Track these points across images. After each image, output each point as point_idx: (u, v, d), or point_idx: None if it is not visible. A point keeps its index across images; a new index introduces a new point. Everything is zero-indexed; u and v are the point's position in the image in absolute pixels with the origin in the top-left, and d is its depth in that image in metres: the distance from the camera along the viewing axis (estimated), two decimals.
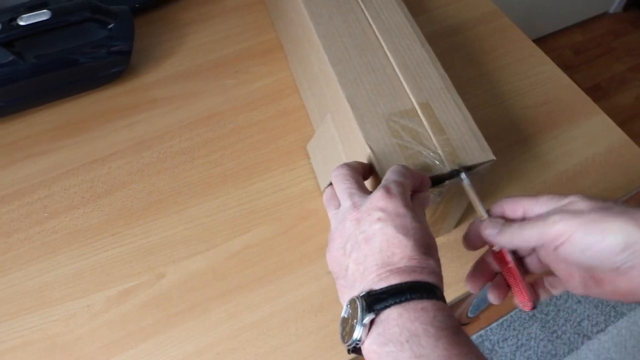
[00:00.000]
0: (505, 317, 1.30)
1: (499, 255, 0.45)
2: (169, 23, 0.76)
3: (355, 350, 0.36)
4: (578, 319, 1.31)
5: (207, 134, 0.66)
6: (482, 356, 0.34)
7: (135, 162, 0.63)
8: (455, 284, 0.58)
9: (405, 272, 0.36)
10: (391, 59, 0.54)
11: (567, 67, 0.72)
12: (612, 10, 1.93)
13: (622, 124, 0.71)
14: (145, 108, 0.68)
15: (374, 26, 0.57)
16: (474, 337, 1.28)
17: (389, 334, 0.33)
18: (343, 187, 0.42)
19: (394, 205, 0.38)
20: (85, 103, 0.68)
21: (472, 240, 0.46)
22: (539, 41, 0.76)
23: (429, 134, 0.48)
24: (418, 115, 0.50)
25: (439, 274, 0.37)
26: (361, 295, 0.35)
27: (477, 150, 0.48)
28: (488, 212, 0.46)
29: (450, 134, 0.49)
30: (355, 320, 0.34)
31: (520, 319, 1.30)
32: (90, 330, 0.53)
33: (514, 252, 0.46)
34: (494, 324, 1.29)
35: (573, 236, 0.38)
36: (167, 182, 0.62)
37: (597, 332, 1.30)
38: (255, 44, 0.75)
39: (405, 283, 0.35)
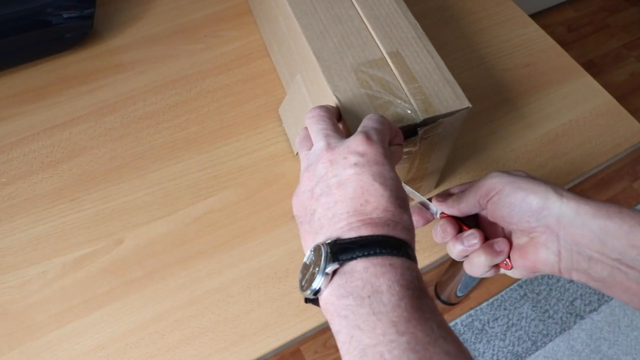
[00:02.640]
0: (495, 297, 1.28)
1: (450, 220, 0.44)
2: None
3: (313, 300, 0.33)
4: (570, 298, 1.28)
5: (172, 98, 0.64)
6: (445, 325, 0.31)
7: (97, 127, 0.61)
8: (430, 249, 0.55)
9: (377, 224, 0.33)
10: (359, 10, 0.52)
11: (561, 44, 0.70)
12: None
13: (616, 100, 0.68)
14: (110, 73, 0.65)
15: None
16: (463, 317, 1.25)
17: (350, 286, 0.31)
18: (318, 127, 0.39)
19: (374, 152, 0.35)
20: (47, 69, 0.66)
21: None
22: (532, 18, 0.74)
23: (399, 83, 0.46)
24: (388, 65, 0.47)
25: (412, 232, 0.35)
26: (327, 242, 0.32)
27: (451, 97, 0.46)
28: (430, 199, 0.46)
29: (422, 82, 0.47)
30: (317, 269, 0.32)
31: (511, 299, 1.27)
32: (44, 297, 0.51)
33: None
34: (484, 304, 1.27)
35: (503, 190, 0.39)
36: (130, 147, 0.60)
37: (590, 311, 1.27)
38: (224, 8, 0.72)
39: (377, 236, 0.32)
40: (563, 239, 0.38)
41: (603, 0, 1.85)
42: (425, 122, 0.44)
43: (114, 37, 0.69)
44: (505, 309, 1.26)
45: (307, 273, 0.33)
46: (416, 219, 0.46)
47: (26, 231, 0.54)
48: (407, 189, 0.44)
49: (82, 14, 0.64)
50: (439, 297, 1.27)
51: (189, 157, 0.59)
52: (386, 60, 0.48)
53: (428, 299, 0.32)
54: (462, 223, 0.44)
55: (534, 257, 0.40)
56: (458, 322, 1.24)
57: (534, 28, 0.75)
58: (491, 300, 1.27)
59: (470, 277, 1.14)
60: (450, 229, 0.44)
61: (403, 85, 0.46)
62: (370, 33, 0.50)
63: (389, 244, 0.32)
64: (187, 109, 0.63)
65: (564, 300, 1.28)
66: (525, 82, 0.69)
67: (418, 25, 0.51)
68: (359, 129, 0.38)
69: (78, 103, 0.63)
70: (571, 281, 1.31)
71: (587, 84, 0.69)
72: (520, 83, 0.68)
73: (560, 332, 1.24)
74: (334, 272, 0.32)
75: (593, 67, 1.65)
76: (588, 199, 0.38)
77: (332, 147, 0.36)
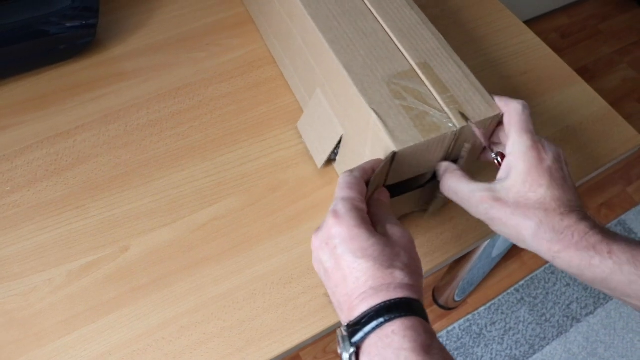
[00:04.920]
0: (493, 301, 1.29)
1: None
2: None
3: None
4: (567, 302, 1.30)
5: (175, 106, 0.64)
6: None
7: (101, 135, 0.62)
8: (431, 254, 0.56)
9: (373, 295, 0.35)
10: (382, 23, 0.53)
11: (554, 50, 0.72)
12: None
13: (610, 105, 0.70)
14: (113, 81, 0.66)
15: None
16: (461, 321, 1.26)
17: None
18: (335, 199, 0.40)
19: (345, 229, 0.37)
20: (51, 77, 0.66)
21: None
22: (525, 25, 0.76)
23: (432, 93, 0.47)
24: (418, 76, 0.49)
25: (408, 282, 0.37)
26: (343, 327, 0.36)
27: (483, 105, 0.47)
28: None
29: (454, 91, 0.48)
30: (342, 352, 0.35)
31: (508, 303, 1.28)
32: (51, 304, 0.51)
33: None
34: (482, 308, 1.28)
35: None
36: (134, 155, 0.60)
37: (586, 314, 1.28)
38: (226, 17, 0.73)
39: (374, 308, 0.35)
40: None
41: (595, 8, 1.88)
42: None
43: (117, 45, 0.69)
44: (502, 313, 1.27)
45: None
46: None
47: (31, 239, 0.55)
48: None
49: (86, 24, 0.65)
50: (437, 302, 1.28)
51: (193, 165, 0.59)
52: (416, 72, 0.49)
53: (435, 347, 0.34)
54: None
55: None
56: (456, 327, 1.25)
57: (530, 36, 0.76)
58: (488, 304, 1.28)
59: (468, 282, 1.15)
60: None
61: (436, 96, 0.47)
62: (396, 45, 0.51)
63: (386, 310, 0.35)
64: (191, 117, 0.63)
65: (560, 303, 1.29)
66: (522, 89, 0.70)
67: (440, 35, 0.52)
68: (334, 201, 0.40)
69: (82, 111, 0.63)
70: (567, 285, 1.32)
71: (583, 90, 0.71)
72: (518, 90, 0.70)
73: (557, 336, 1.25)
74: (358, 352, 0.35)
75: (587, 73, 1.67)
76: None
77: (318, 231, 0.39)
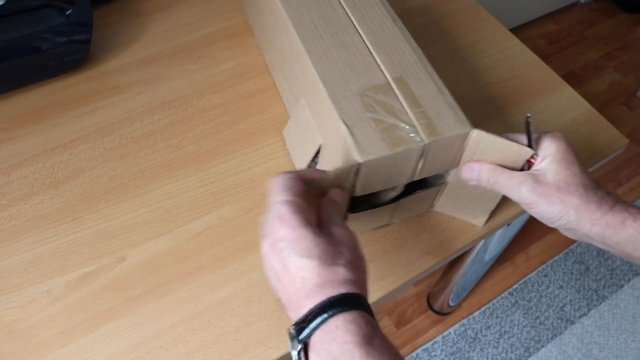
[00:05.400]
0: (487, 305, 1.30)
1: None
2: (130, 12, 0.75)
3: None
4: (560, 304, 1.31)
5: (169, 118, 0.65)
6: (399, 356, 0.36)
7: (96, 148, 0.63)
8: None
9: (316, 293, 0.37)
10: (363, 36, 0.53)
11: (541, 56, 0.73)
12: (583, 0, 1.95)
13: (596, 110, 0.71)
14: (107, 95, 0.67)
15: (344, 5, 0.56)
16: (456, 326, 1.27)
17: (320, 358, 0.35)
18: (268, 202, 0.41)
19: (290, 230, 0.38)
20: (45, 91, 0.67)
21: None
22: (512, 32, 0.78)
23: (404, 108, 0.48)
24: (392, 90, 0.49)
25: (351, 277, 0.38)
26: (291, 326, 0.37)
27: (454, 121, 0.48)
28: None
29: (426, 106, 0.48)
30: (291, 350, 0.37)
31: (503, 307, 1.29)
32: (49, 315, 0.52)
33: None
34: (476, 312, 1.29)
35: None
36: (129, 167, 0.61)
37: (580, 316, 1.30)
38: (217, 29, 0.74)
39: (317, 306, 0.36)
40: None
41: (581, 14, 1.91)
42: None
43: (110, 60, 0.70)
44: (497, 317, 1.28)
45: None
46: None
47: (29, 251, 0.55)
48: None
49: (80, 39, 0.66)
50: (432, 308, 1.29)
51: (187, 175, 0.60)
52: (390, 86, 0.49)
53: (377, 340, 0.36)
54: None
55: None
56: (451, 332, 1.26)
57: (515, 42, 0.78)
58: (483, 308, 1.29)
59: (462, 287, 1.16)
60: None
61: (408, 110, 0.48)
62: (374, 58, 0.52)
63: (330, 306, 0.36)
64: (184, 128, 0.64)
65: (554, 306, 1.30)
66: (508, 94, 0.71)
67: (420, 50, 0.53)
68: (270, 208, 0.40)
69: (77, 125, 0.64)
70: (561, 287, 1.34)
71: (568, 95, 0.72)
72: (504, 96, 0.71)
73: (551, 338, 1.26)
74: (306, 349, 0.36)
75: (574, 78, 1.70)
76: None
77: (265, 236, 0.40)
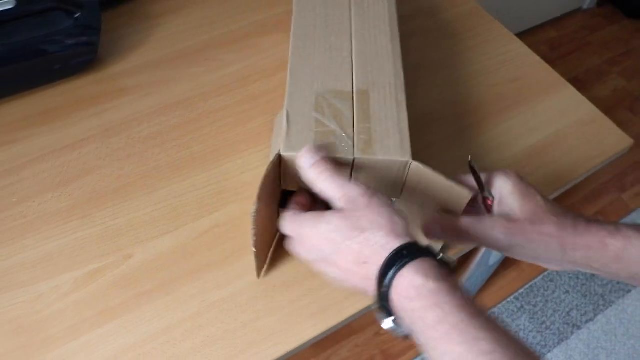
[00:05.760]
0: (493, 310, 1.29)
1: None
2: (137, 16, 0.77)
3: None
4: (567, 309, 1.30)
5: (175, 119, 0.66)
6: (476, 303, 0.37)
7: (104, 148, 0.63)
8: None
9: (385, 254, 0.39)
10: (353, 43, 0.54)
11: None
12: (585, 6, 1.96)
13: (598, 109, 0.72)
14: (114, 96, 0.68)
15: (352, 12, 0.57)
16: None
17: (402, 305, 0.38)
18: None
19: (333, 219, 0.42)
20: (53, 93, 0.68)
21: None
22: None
23: (352, 119, 0.47)
24: (351, 99, 0.49)
25: (401, 230, 0.40)
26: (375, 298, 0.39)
27: (395, 147, 0.46)
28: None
29: (374, 124, 0.47)
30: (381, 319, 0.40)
31: (508, 311, 1.29)
32: (58, 311, 0.52)
33: None
34: None
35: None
36: (136, 166, 0.62)
37: (587, 321, 1.29)
38: (223, 33, 0.75)
39: (390, 257, 0.39)
40: None
41: (583, 20, 1.92)
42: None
43: (117, 62, 0.71)
44: (502, 321, 1.28)
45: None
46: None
47: (38, 248, 0.56)
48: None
49: (88, 42, 0.67)
50: None
51: (194, 175, 0.61)
52: (352, 95, 0.49)
53: (452, 279, 0.38)
54: None
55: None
56: None
57: (518, 45, 0.78)
58: (488, 313, 1.29)
59: (467, 291, 1.16)
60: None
61: (355, 122, 0.47)
62: (351, 67, 0.51)
63: (400, 256, 0.38)
64: (191, 129, 0.65)
65: (560, 311, 1.30)
66: (512, 96, 0.72)
67: (401, 74, 0.52)
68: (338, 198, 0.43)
69: (85, 125, 0.65)
70: (567, 292, 1.33)
71: (572, 96, 0.73)
72: (508, 97, 0.72)
73: (558, 343, 1.26)
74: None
75: (578, 83, 1.70)
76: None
77: (305, 241, 0.45)
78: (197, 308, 0.53)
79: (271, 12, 0.78)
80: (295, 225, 0.45)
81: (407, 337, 0.39)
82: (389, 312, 0.39)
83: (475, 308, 0.36)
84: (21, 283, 0.54)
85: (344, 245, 0.40)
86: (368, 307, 0.55)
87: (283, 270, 0.55)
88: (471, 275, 1.08)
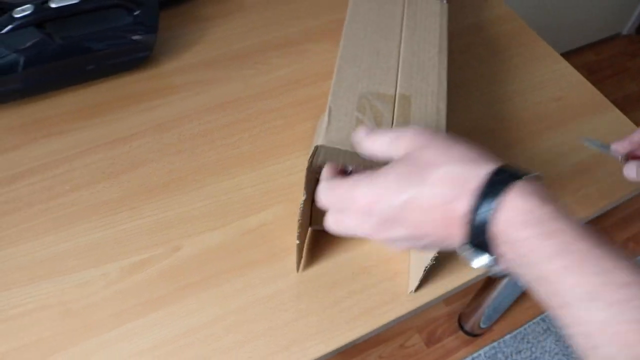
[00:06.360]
0: (519, 330, 1.28)
1: None
2: (190, 18, 0.79)
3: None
4: None
5: (225, 118, 0.67)
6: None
7: (155, 143, 0.65)
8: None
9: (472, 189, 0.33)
10: (401, 52, 0.54)
11: None
12: (625, 31, 1.94)
13: None
14: (166, 93, 0.70)
15: (404, 23, 0.58)
16: (486, 349, 1.26)
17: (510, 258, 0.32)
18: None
19: (402, 166, 0.37)
20: (108, 87, 0.70)
21: None
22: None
23: (392, 121, 0.48)
24: (393, 103, 0.49)
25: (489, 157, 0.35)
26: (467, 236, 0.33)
27: None
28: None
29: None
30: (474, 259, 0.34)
31: (534, 332, 1.28)
32: (104, 298, 0.54)
33: None
34: (507, 336, 1.27)
35: None
36: (186, 162, 0.63)
37: None
38: (272, 38, 0.77)
39: (485, 186, 0.32)
40: None
41: (622, 45, 1.91)
42: None
43: (170, 61, 0.73)
44: (528, 342, 1.26)
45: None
46: None
47: (87, 236, 0.58)
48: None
49: (144, 39, 0.69)
50: (462, 328, 1.28)
51: (242, 174, 0.62)
52: (394, 99, 0.50)
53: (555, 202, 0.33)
54: None
55: None
56: (481, 354, 1.24)
57: (564, 65, 0.79)
58: (514, 333, 1.27)
59: (494, 309, 1.15)
60: None
61: (394, 124, 0.48)
62: (397, 73, 0.52)
63: (497, 183, 0.32)
64: (240, 129, 0.66)
65: None
66: (555, 114, 0.72)
67: (445, 85, 0.52)
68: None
69: (137, 120, 0.67)
70: None
71: (616, 117, 0.73)
72: (551, 115, 0.72)
73: None
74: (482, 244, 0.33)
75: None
76: None
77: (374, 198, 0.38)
78: (241, 303, 0.54)
79: (320, 21, 0.79)
80: (344, 188, 0.38)
81: (503, 277, 0.36)
82: (483, 250, 0.33)
83: (596, 235, 0.31)
84: (70, 269, 0.55)
85: (415, 190, 0.34)
86: (409, 313, 0.55)
87: (325, 272, 0.56)
88: (499, 295, 1.08)
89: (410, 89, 0.51)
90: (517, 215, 0.31)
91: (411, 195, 0.34)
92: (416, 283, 0.54)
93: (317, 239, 0.58)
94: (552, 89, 0.75)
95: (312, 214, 0.56)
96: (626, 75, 1.81)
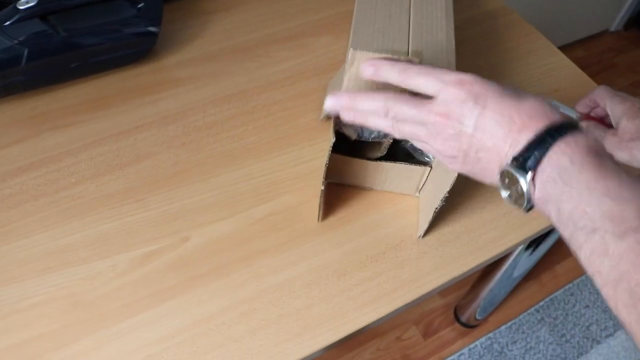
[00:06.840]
0: (514, 320, 1.30)
1: None
2: (193, 11, 0.79)
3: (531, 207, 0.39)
4: (587, 324, 1.31)
5: (230, 110, 0.68)
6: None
7: (160, 135, 0.65)
8: (476, 252, 0.59)
9: (529, 126, 0.38)
10: (411, 16, 0.57)
11: None
12: (613, 28, 1.98)
13: None
14: (170, 86, 0.70)
15: None
16: (482, 340, 1.27)
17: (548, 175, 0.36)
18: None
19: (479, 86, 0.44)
20: (111, 80, 0.70)
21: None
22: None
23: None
24: (407, 54, 0.53)
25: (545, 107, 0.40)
26: (508, 163, 0.38)
27: None
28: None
29: None
30: (518, 186, 0.38)
31: (529, 322, 1.29)
32: (114, 289, 0.54)
33: None
34: (503, 327, 1.29)
35: None
36: (192, 154, 0.63)
37: (606, 336, 1.29)
38: (274, 31, 0.77)
39: (542, 134, 0.37)
40: None
41: (610, 42, 1.94)
42: None
43: (173, 54, 0.73)
44: (523, 332, 1.28)
45: (513, 195, 0.39)
46: None
47: (95, 228, 0.58)
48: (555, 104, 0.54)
49: (148, 32, 0.69)
50: (458, 320, 1.29)
51: (248, 164, 0.63)
52: (407, 54, 0.53)
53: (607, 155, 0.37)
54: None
55: None
56: (477, 344, 1.26)
57: (560, 57, 0.80)
58: (509, 323, 1.29)
59: (489, 301, 1.16)
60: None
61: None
62: (408, 32, 0.55)
63: (553, 132, 0.37)
64: (245, 121, 0.67)
65: (580, 325, 1.30)
66: None
67: (453, 41, 0.56)
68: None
69: (141, 112, 0.67)
70: (587, 306, 1.34)
71: None
72: None
73: (577, 356, 1.26)
74: (533, 177, 0.37)
75: None
76: None
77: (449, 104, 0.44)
78: (252, 292, 0.54)
79: (322, 14, 0.80)
80: (429, 72, 0.44)
81: (530, 209, 0.39)
82: (525, 172, 0.37)
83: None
84: (79, 260, 0.55)
85: (495, 101, 0.41)
86: (416, 300, 0.56)
87: (334, 260, 0.56)
88: (494, 287, 1.09)
89: (421, 45, 0.54)
90: (552, 156, 0.36)
91: (489, 105, 0.41)
92: (425, 226, 0.57)
93: (324, 228, 0.58)
94: (549, 81, 0.77)
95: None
96: (614, 71, 1.84)
